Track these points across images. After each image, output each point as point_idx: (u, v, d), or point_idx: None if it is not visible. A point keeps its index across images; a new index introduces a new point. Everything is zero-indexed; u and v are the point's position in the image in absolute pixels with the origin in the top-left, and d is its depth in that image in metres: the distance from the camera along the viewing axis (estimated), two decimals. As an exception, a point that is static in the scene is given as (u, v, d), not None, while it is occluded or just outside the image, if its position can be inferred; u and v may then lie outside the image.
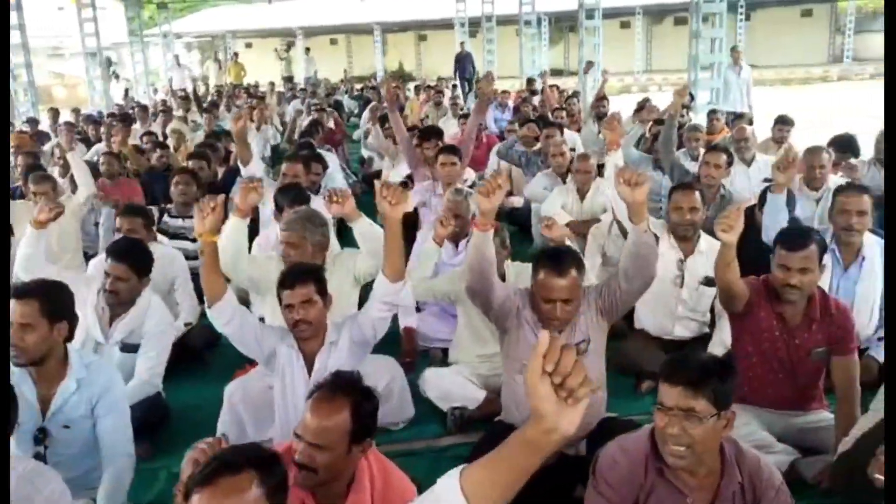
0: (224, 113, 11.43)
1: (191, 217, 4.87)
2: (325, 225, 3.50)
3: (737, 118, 7.54)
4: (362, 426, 2.08)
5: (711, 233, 3.34)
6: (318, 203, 4.22)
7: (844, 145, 6.25)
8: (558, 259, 2.78)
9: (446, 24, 25.21)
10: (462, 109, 11.99)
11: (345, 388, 2.11)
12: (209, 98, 14.87)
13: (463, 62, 18.80)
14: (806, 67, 25.18)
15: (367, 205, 3.60)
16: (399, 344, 4.13)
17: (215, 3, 32.10)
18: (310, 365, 2.92)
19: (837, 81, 23.68)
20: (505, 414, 3.07)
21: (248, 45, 33.78)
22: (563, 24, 32.68)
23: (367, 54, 32.41)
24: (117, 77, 18.76)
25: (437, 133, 5.94)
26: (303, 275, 2.87)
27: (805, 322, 2.99)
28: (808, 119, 10.40)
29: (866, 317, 3.66)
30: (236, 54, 20.66)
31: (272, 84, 17.98)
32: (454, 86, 15.97)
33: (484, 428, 3.20)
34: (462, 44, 19.88)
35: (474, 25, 21.43)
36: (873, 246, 3.70)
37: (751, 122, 7.58)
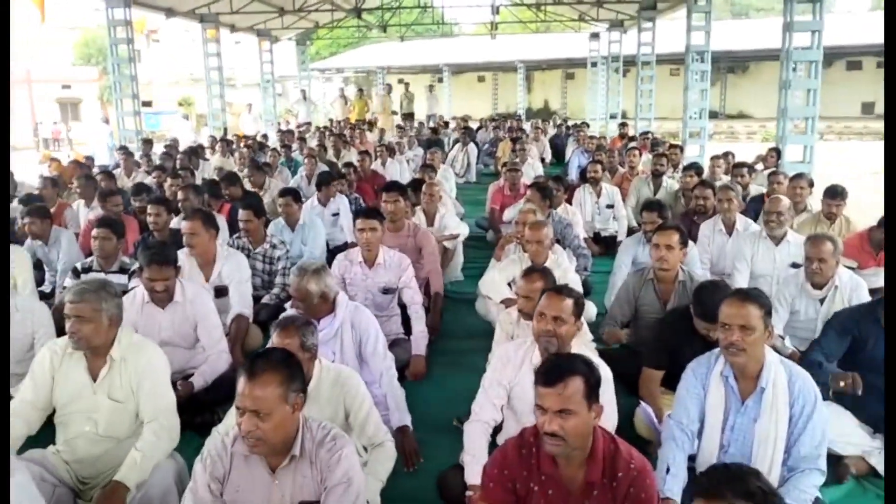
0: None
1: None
2: (119, 296, 3.16)
3: (795, 178, 6.34)
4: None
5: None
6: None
7: (897, 226, 5.08)
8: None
9: (595, 63, 24.35)
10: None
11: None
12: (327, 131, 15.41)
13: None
14: None
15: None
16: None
17: (377, 39, 33.53)
18: None
19: None
20: None
21: (401, 81, 35.08)
22: (721, 65, 30.91)
23: (513, 91, 32.51)
24: (249, 109, 19.88)
25: (400, 188, 5.49)
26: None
27: (585, 488, 2.23)
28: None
29: (766, 466, 2.78)
30: (361, 90, 21.28)
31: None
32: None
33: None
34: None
35: (628, 64, 20.46)
36: (777, 370, 2.79)
37: (811, 185, 6.37)
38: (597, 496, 2.21)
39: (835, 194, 5.62)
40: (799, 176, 6.33)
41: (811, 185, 6.36)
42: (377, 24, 19.59)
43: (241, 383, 2.23)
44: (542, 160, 13.54)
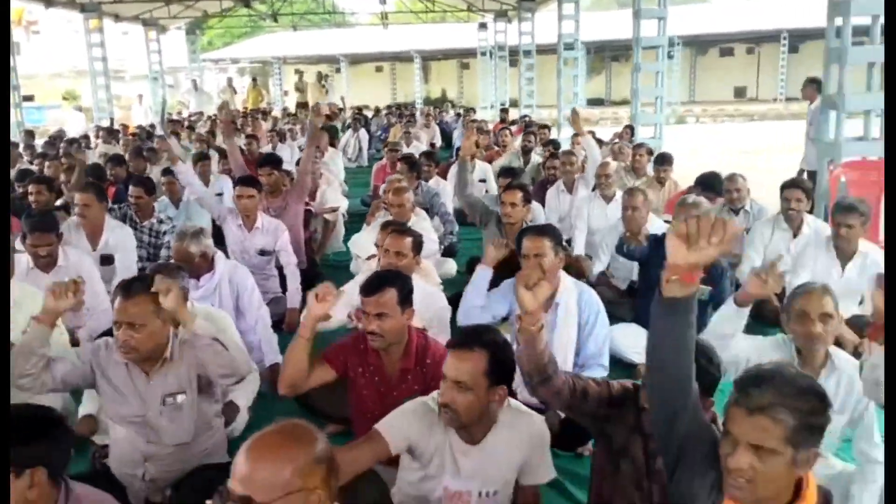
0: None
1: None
2: None
3: (636, 147, 7.22)
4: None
5: None
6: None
7: (708, 184, 5.97)
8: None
9: (485, 53, 25.12)
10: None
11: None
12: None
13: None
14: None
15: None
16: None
17: (271, 29, 33.31)
18: None
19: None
20: None
21: (297, 72, 34.99)
22: (606, 54, 32.46)
23: (410, 81, 33.08)
24: (140, 100, 19.67)
25: (274, 161, 5.96)
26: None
27: (401, 374, 2.82)
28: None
29: (560, 365, 3.45)
30: (255, 79, 21.40)
31: (285, 109, 18.44)
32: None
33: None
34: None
35: (514, 54, 21.31)
36: (570, 289, 3.48)
37: (650, 153, 7.24)
38: (411, 380, 2.79)
39: (663, 161, 6.47)
40: (639, 145, 7.19)
41: (650, 153, 7.22)
42: (267, 13, 19.71)
43: (118, 302, 2.62)
44: (433, 145, 14.19)
